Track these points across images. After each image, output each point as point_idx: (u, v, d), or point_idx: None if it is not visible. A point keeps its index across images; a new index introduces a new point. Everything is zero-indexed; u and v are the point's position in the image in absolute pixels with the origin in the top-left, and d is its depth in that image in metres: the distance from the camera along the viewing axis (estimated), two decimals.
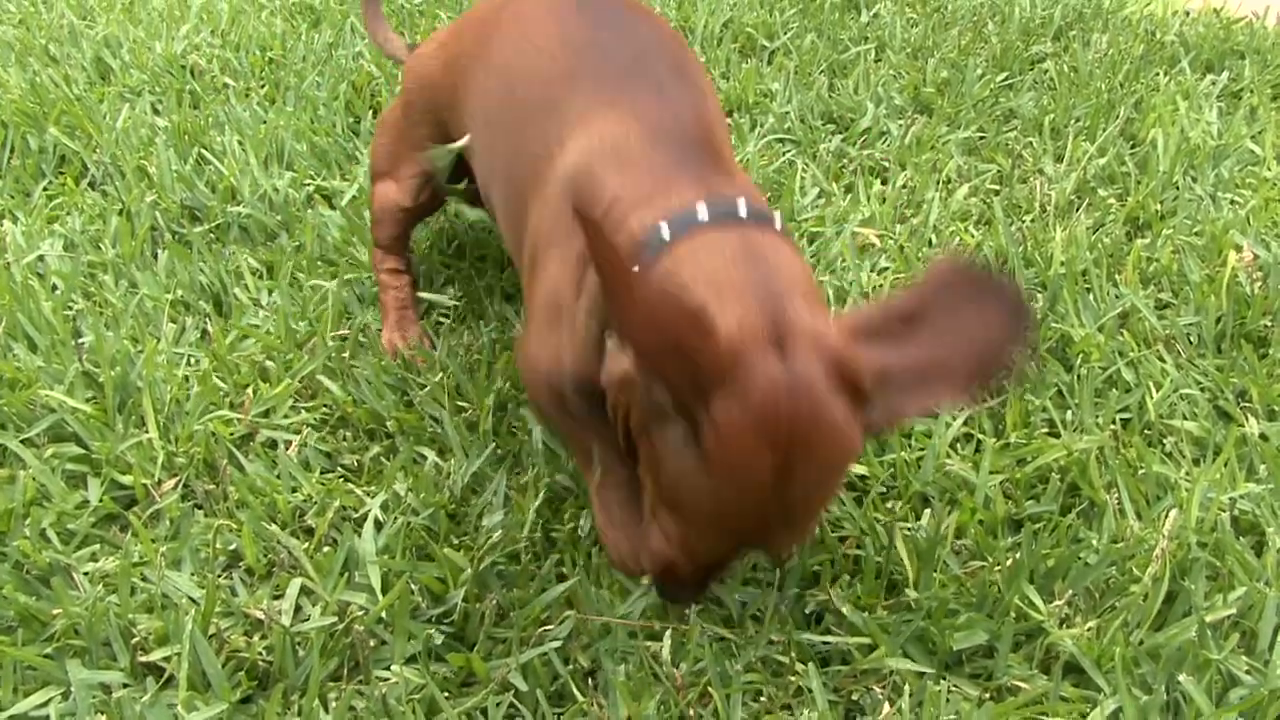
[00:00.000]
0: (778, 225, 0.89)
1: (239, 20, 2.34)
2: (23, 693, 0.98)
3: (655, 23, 1.11)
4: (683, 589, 0.91)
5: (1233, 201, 1.79)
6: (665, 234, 0.86)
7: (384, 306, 1.44)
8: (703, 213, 0.86)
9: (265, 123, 1.90)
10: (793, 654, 1.02)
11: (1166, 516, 1.13)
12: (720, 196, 0.88)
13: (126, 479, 1.18)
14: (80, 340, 1.37)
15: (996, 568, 1.10)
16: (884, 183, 1.84)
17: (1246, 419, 1.32)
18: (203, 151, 1.80)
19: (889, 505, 1.19)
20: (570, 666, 1.01)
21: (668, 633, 1.03)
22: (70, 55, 2.16)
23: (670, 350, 0.73)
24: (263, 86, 2.08)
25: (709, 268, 0.83)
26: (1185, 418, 1.34)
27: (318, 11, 2.44)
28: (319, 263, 1.55)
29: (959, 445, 1.28)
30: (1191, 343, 1.47)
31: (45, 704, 0.97)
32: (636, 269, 0.77)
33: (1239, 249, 1.61)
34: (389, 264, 1.44)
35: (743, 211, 0.87)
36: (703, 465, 0.77)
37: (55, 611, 1.02)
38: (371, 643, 1.02)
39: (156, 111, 1.98)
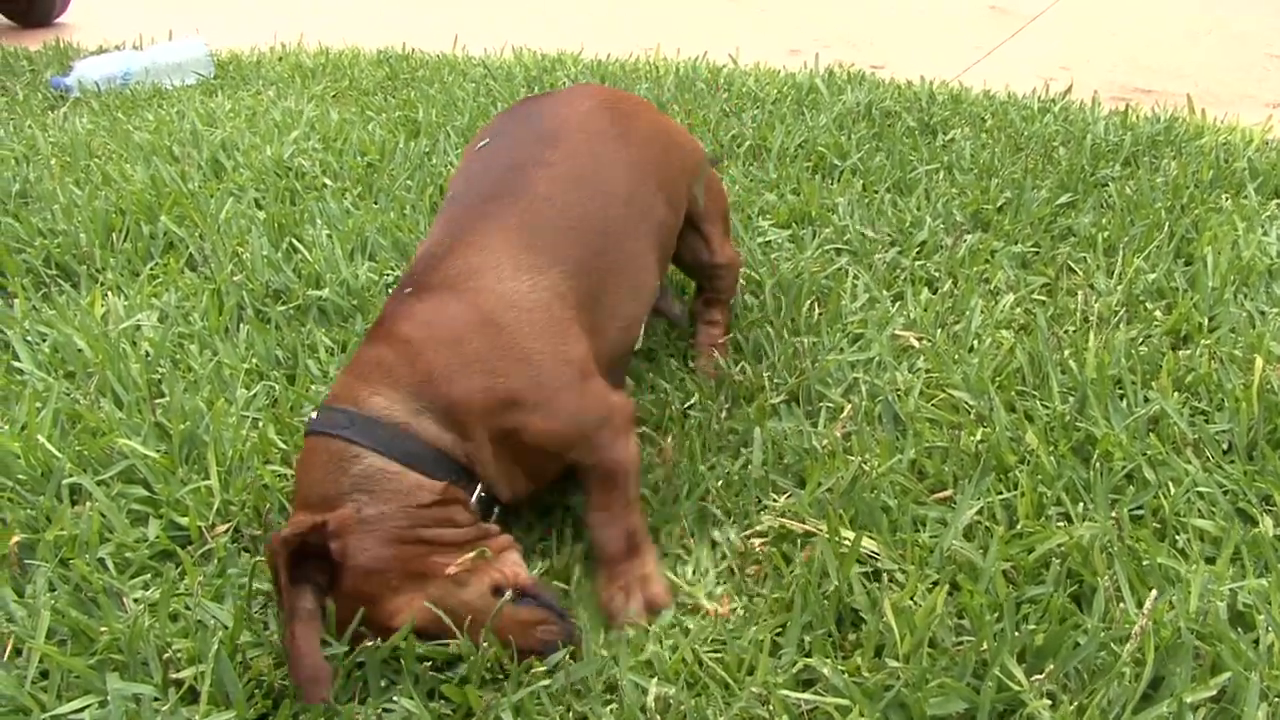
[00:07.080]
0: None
1: (344, 129, 2.55)
2: (65, 698, 1.08)
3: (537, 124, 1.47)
4: None
5: None
6: None
7: None
8: None
9: (354, 218, 2.06)
10: (771, 706, 1.06)
11: (1156, 600, 1.15)
12: None
13: (183, 520, 1.30)
14: (160, 399, 1.50)
15: (984, 644, 1.13)
16: (933, 291, 1.91)
17: (1264, 520, 1.33)
18: (294, 241, 1.96)
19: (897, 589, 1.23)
20: (560, 707, 1.07)
21: (654, 680, 1.09)
22: (190, 155, 2.39)
23: None
24: (357, 187, 2.26)
25: None
26: (1201, 515, 1.35)
27: (419, 124, 2.64)
28: None
29: (971, 533, 1.31)
30: (1222, 449, 1.48)
31: (83, 709, 1.07)
32: None
33: (1276, 359, 1.62)
34: None
35: None
36: None
37: (102, 629, 1.13)
38: (382, 682, 1.10)
39: (259, 205, 2.17)
